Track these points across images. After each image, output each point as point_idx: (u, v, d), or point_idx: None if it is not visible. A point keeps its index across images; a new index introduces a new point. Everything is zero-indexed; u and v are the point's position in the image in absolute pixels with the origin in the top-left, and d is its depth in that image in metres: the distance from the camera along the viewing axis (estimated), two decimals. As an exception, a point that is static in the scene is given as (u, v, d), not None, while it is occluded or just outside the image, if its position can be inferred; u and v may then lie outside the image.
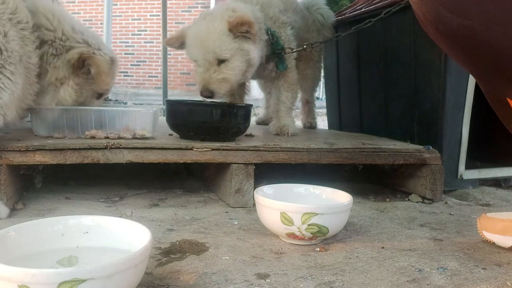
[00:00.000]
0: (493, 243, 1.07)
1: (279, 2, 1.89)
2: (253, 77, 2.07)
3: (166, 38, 1.76)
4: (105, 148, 1.31)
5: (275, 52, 1.77)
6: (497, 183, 1.86)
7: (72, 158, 1.29)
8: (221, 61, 1.56)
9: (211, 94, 1.57)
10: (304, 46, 1.85)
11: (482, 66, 0.86)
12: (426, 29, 0.89)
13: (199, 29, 1.57)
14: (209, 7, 8.44)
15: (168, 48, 4.22)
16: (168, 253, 0.98)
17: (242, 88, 2.06)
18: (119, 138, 1.41)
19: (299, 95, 2.23)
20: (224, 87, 1.59)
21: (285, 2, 1.94)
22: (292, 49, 1.81)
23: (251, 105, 1.59)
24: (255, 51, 1.62)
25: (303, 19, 2.07)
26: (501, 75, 0.85)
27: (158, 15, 6.89)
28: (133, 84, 9.25)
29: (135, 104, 3.87)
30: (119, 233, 0.81)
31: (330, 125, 2.65)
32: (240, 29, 1.54)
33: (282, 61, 1.80)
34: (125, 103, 1.84)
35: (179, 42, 1.67)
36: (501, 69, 0.82)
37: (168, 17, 4.26)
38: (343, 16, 2.28)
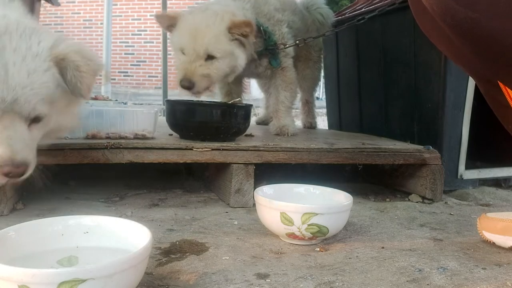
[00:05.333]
0: (493, 243, 1.07)
1: (275, 1, 1.89)
2: (250, 76, 2.07)
3: (157, 13, 1.74)
4: (105, 148, 1.31)
5: (268, 48, 1.77)
6: (497, 183, 1.86)
7: (72, 158, 1.29)
8: (209, 57, 1.56)
9: (191, 85, 1.54)
10: (297, 42, 1.85)
11: (485, 58, 0.85)
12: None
13: (197, 20, 1.56)
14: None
15: (168, 48, 4.22)
16: (168, 253, 0.98)
17: (239, 86, 2.07)
18: (120, 138, 1.41)
19: (299, 95, 2.23)
20: (205, 83, 1.58)
21: (282, 1, 1.94)
22: (284, 45, 1.81)
23: (251, 105, 1.59)
24: (243, 58, 1.64)
25: (302, 20, 2.07)
26: (505, 67, 0.84)
27: (158, 15, 6.88)
28: (133, 84, 9.24)
29: (135, 104, 3.86)
30: (119, 233, 0.81)
31: (330, 125, 2.65)
32: (241, 29, 1.54)
33: (276, 57, 1.81)
34: (125, 103, 1.83)
35: (169, 23, 1.64)
36: (504, 62, 0.82)
37: (168, 17, 4.25)
38: (343, 16, 2.28)
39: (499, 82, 0.88)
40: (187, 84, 1.54)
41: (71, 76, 0.98)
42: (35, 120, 0.95)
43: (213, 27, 1.54)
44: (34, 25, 1.00)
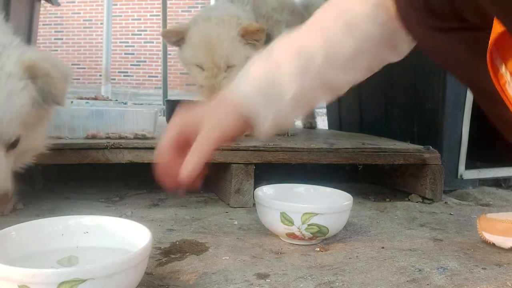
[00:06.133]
0: (493, 244, 1.07)
1: (273, 0, 1.88)
2: None
3: (163, 30, 1.74)
4: (105, 148, 1.31)
5: None
6: (497, 183, 1.86)
7: (72, 158, 1.29)
8: (229, 67, 1.57)
9: None
10: None
11: None
12: None
13: (207, 32, 1.56)
14: (209, 7, 8.42)
15: (168, 48, 4.23)
16: (168, 253, 0.98)
17: None
18: (120, 138, 1.41)
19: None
20: None
21: (280, 1, 1.93)
22: None
23: (251, 105, 1.58)
24: None
25: (302, 21, 2.06)
26: None
27: (158, 15, 6.91)
28: (133, 84, 9.25)
29: (135, 104, 3.87)
30: (119, 233, 0.81)
31: (330, 125, 2.65)
32: (254, 36, 1.55)
33: None
34: (125, 103, 1.84)
35: (177, 38, 1.65)
36: None
37: (168, 17, 4.26)
38: (343, 16, 2.27)
39: (502, 95, 0.84)
40: None
41: (43, 84, 0.94)
42: (12, 144, 0.93)
43: (225, 36, 1.54)
44: (3, 40, 0.96)
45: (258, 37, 1.56)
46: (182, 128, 0.82)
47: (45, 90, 0.95)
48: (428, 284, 0.85)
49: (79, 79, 9.21)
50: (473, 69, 0.92)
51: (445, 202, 1.55)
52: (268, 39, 1.75)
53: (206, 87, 1.57)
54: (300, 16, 2.08)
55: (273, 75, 0.85)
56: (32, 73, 0.94)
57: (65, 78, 1.01)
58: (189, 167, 0.77)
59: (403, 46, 1.04)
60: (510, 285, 0.85)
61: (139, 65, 9.25)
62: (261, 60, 0.89)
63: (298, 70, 0.85)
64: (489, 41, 0.73)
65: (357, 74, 0.98)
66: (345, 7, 0.93)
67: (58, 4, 2.85)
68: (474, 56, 0.91)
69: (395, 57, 1.04)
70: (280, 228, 1.03)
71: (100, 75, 5.92)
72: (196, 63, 1.59)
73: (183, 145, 0.80)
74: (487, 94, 0.93)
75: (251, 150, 1.41)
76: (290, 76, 0.84)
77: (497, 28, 0.71)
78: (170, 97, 4.18)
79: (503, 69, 0.76)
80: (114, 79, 8.45)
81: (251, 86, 0.85)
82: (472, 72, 0.94)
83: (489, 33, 0.86)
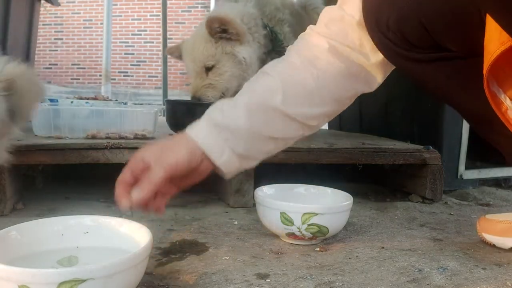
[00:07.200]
0: (493, 245, 1.07)
1: (276, 0, 1.88)
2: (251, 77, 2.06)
3: (168, 47, 1.81)
4: (105, 148, 1.31)
5: (275, 49, 1.76)
6: (497, 183, 1.86)
7: (72, 158, 1.29)
8: (208, 69, 1.56)
9: (198, 101, 1.58)
10: None
11: None
12: None
13: (190, 40, 1.60)
14: (209, 7, 8.43)
15: (168, 48, 4.23)
16: (168, 253, 0.98)
17: (239, 87, 2.06)
18: (120, 138, 1.41)
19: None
20: (210, 93, 1.57)
21: (281, 1, 1.93)
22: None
23: (251, 105, 1.58)
24: (245, 51, 1.58)
25: (300, 21, 2.06)
26: None
27: (158, 15, 6.90)
28: (133, 84, 9.24)
29: (135, 104, 3.87)
30: (119, 233, 0.81)
31: (330, 125, 2.65)
32: (214, 29, 1.51)
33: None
34: (125, 103, 1.84)
35: (179, 53, 1.71)
36: None
37: (168, 17, 4.27)
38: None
39: (504, 120, 0.78)
40: (195, 101, 1.58)
41: (12, 104, 0.91)
42: None
43: (198, 39, 1.55)
44: None
45: (215, 27, 1.49)
46: (139, 162, 0.89)
47: (13, 109, 0.92)
48: (428, 284, 0.85)
49: (79, 79, 9.21)
50: (460, 96, 0.92)
51: (445, 202, 1.55)
52: (273, 37, 1.75)
53: (190, 91, 1.60)
54: (299, 16, 2.07)
55: (228, 112, 0.91)
56: (7, 90, 0.89)
57: (36, 98, 0.99)
58: (135, 194, 0.82)
59: (372, 80, 1.06)
60: (510, 285, 0.85)
61: (139, 65, 9.24)
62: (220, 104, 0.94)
63: (253, 106, 0.90)
64: (484, 69, 0.71)
65: (325, 107, 0.99)
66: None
67: (58, 4, 2.85)
68: (458, 84, 0.91)
69: (365, 89, 1.05)
70: (280, 228, 1.03)
71: (100, 75, 5.92)
72: (189, 73, 1.62)
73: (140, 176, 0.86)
74: (479, 118, 0.92)
75: (251, 150, 1.40)
76: (244, 111, 0.89)
77: (489, 54, 0.69)
78: (170, 97, 4.19)
79: (502, 96, 0.75)
80: (114, 79, 8.45)
81: (206, 121, 0.92)
82: (460, 99, 0.94)
83: (470, 61, 0.85)
